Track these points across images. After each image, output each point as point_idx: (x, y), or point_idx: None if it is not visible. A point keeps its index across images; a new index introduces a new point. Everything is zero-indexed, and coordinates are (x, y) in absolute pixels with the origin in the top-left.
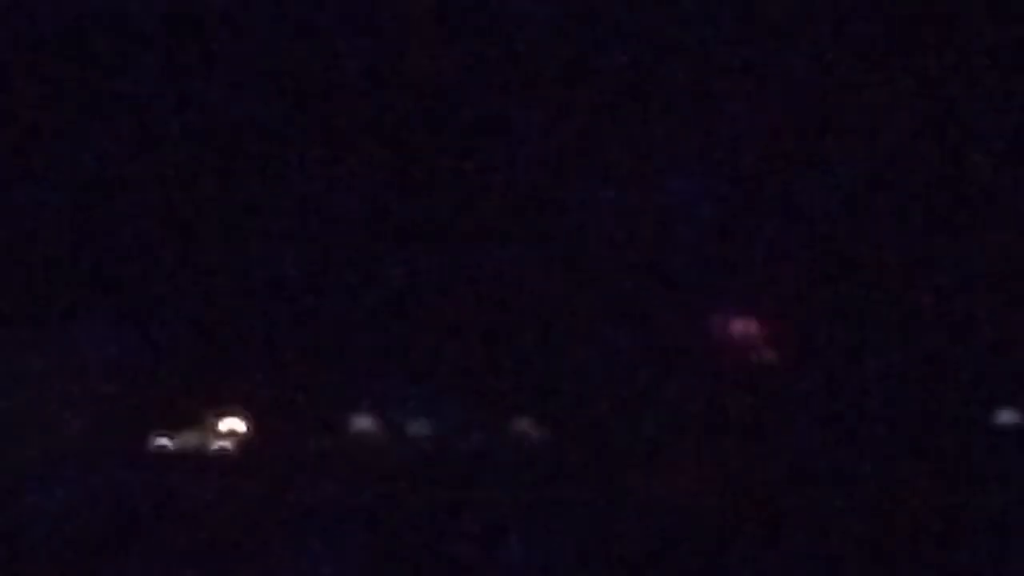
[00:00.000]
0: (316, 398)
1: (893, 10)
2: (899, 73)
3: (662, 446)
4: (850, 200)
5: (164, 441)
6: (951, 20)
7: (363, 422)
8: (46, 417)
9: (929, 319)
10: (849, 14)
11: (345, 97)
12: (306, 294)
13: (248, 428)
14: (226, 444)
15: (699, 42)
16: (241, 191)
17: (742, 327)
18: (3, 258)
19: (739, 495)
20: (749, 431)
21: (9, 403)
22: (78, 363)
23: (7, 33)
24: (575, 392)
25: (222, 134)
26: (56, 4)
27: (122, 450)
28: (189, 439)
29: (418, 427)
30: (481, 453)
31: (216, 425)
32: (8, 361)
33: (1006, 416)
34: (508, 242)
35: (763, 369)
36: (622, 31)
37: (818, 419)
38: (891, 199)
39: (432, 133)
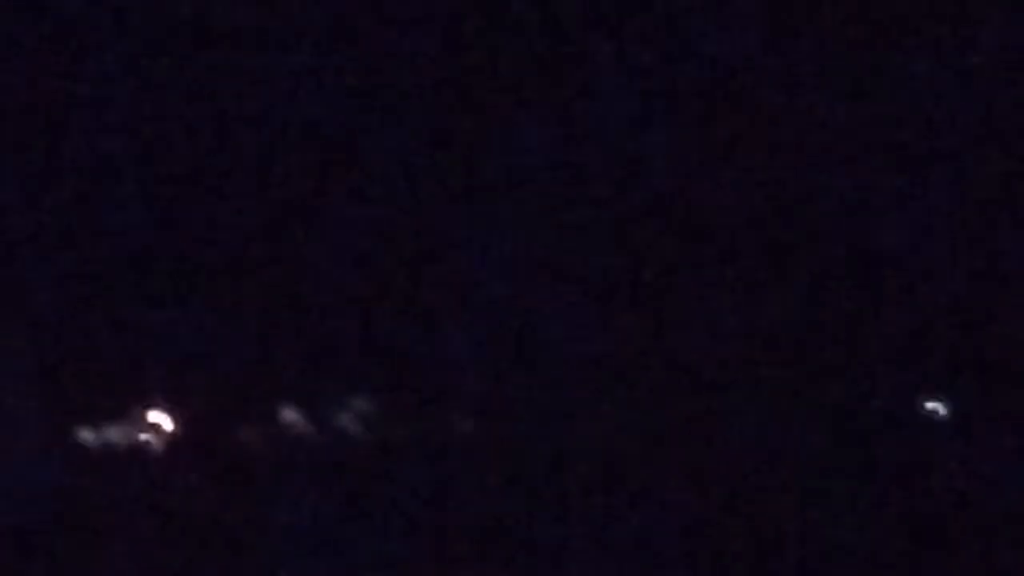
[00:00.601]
0: (242, 391)
1: None
2: None
3: (593, 443)
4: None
5: (88, 435)
6: None
7: (289, 415)
8: None
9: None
10: None
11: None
12: (232, 284)
13: (173, 421)
14: (151, 437)
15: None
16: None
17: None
18: None
19: (670, 488)
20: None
21: None
22: None
23: None
24: (507, 384)
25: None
26: None
27: (43, 445)
28: (113, 433)
29: (345, 419)
30: (407, 445)
31: (141, 418)
32: None
33: (931, 407)
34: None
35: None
36: None
37: (740, 407)
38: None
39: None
